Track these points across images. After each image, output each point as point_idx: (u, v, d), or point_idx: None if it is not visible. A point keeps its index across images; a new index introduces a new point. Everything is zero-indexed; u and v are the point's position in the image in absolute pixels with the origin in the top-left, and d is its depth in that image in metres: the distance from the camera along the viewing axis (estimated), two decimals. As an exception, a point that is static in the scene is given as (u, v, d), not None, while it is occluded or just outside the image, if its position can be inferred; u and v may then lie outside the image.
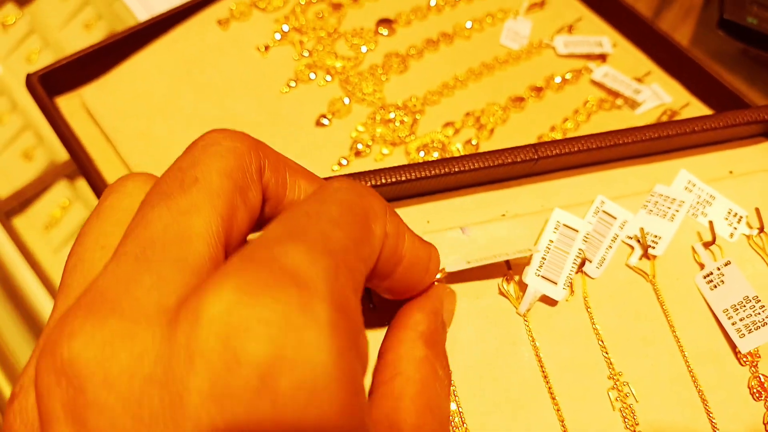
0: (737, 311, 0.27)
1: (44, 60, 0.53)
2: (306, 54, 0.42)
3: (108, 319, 0.14)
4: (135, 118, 0.40)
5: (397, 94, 0.42)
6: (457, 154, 0.39)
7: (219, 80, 0.41)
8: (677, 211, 0.29)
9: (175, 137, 0.40)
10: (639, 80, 0.45)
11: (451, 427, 0.25)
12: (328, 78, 0.41)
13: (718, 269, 0.28)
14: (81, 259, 0.17)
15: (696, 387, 0.27)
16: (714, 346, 0.28)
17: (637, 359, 0.27)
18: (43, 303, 0.50)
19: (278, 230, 0.16)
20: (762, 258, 0.30)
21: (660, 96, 0.44)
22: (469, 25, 0.45)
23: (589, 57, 0.46)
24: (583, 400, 0.26)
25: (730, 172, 0.33)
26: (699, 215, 0.30)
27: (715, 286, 0.28)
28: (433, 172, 0.28)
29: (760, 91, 0.50)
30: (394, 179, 0.28)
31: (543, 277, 0.27)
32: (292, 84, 0.41)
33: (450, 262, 0.25)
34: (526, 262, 0.28)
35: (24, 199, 0.53)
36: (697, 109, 0.44)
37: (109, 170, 0.39)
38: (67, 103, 0.41)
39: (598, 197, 0.30)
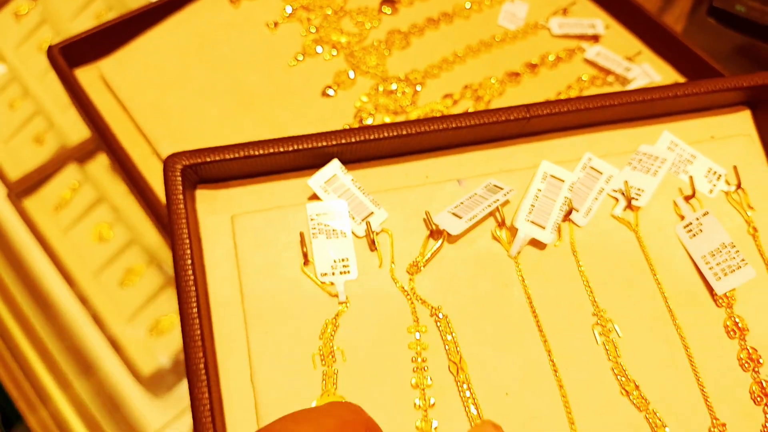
0: (714, 257, 0.30)
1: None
2: (313, 30, 0.44)
3: None
4: (150, 89, 0.42)
5: (399, 67, 0.44)
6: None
7: (230, 54, 0.44)
8: (660, 167, 0.31)
9: (188, 107, 0.42)
10: (630, 59, 0.47)
11: (446, 355, 0.27)
12: (334, 52, 0.44)
13: (697, 219, 0.30)
14: None
15: (675, 325, 0.29)
16: (692, 289, 0.30)
17: (620, 300, 0.29)
18: (51, 280, 0.52)
19: None
20: (738, 212, 0.32)
21: (650, 74, 0.46)
22: (468, 6, 0.47)
23: (582, 38, 0.48)
24: (570, 335, 0.28)
25: (712, 137, 0.35)
26: (681, 173, 0.32)
27: (694, 235, 0.30)
28: (432, 127, 0.30)
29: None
30: (395, 133, 0.30)
31: (532, 222, 0.29)
32: (300, 57, 0.43)
33: (451, 225, 0.28)
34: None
35: (35, 181, 0.56)
36: (685, 87, 0.46)
37: (126, 137, 0.41)
38: (85, 75, 0.43)
39: (586, 154, 0.32)
